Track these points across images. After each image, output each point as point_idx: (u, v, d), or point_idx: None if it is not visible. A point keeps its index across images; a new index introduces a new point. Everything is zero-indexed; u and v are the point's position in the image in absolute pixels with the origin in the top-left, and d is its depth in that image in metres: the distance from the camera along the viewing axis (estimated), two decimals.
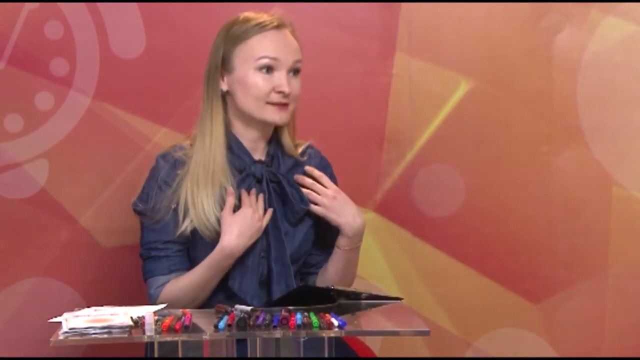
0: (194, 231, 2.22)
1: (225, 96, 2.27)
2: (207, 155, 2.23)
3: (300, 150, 2.34)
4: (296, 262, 2.30)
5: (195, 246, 2.25)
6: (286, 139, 2.31)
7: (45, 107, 2.74)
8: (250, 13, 2.28)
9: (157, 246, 2.24)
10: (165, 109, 2.73)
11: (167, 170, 2.24)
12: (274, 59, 2.23)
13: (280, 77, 2.23)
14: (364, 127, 2.83)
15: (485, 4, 2.84)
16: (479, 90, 2.85)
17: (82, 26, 2.73)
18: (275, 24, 2.26)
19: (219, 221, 2.20)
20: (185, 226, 2.22)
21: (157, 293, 2.23)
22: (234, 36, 2.25)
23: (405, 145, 2.85)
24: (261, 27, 2.24)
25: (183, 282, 2.22)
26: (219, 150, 2.23)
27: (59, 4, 2.72)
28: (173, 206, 2.22)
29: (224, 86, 2.27)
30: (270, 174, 2.27)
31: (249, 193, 2.24)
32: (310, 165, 2.34)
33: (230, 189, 2.21)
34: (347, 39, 2.81)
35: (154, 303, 2.22)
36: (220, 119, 2.26)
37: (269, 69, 2.23)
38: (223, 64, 2.26)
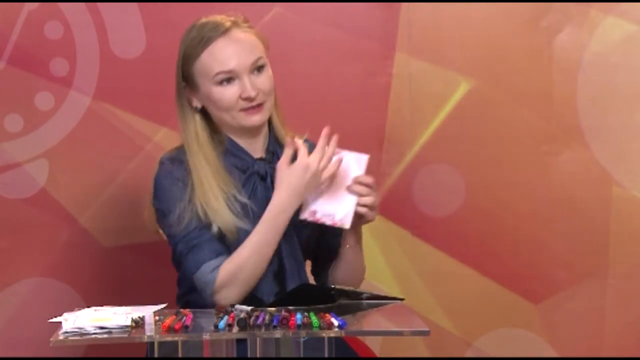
0: (220, 231, 2.21)
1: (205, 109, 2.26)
2: (202, 173, 2.20)
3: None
4: (308, 252, 2.31)
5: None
6: (280, 133, 2.30)
7: (45, 107, 2.74)
8: (203, 20, 2.23)
9: (194, 235, 2.19)
10: (165, 109, 2.72)
11: (180, 170, 2.23)
12: (229, 71, 2.19)
13: (242, 84, 2.20)
14: (364, 127, 2.83)
15: (485, 4, 2.84)
16: (479, 90, 2.85)
17: (82, 26, 2.73)
18: (222, 28, 2.21)
19: (235, 224, 2.19)
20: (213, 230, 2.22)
21: (214, 276, 2.16)
22: (187, 54, 2.23)
23: (405, 145, 2.85)
24: (208, 39, 2.20)
25: (242, 254, 2.16)
26: (208, 165, 2.21)
27: (59, 4, 2.72)
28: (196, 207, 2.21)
29: (197, 104, 2.25)
30: (273, 170, 2.27)
31: (254, 189, 2.24)
32: None
33: (290, 140, 2.17)
34: (347, 39, 2.82)
35: (212, 289, 2.15)
36: (194, 137, 2.23)
37: (228, 80, 2.20)
38: (188, 83, 2.24)
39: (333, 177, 2.18)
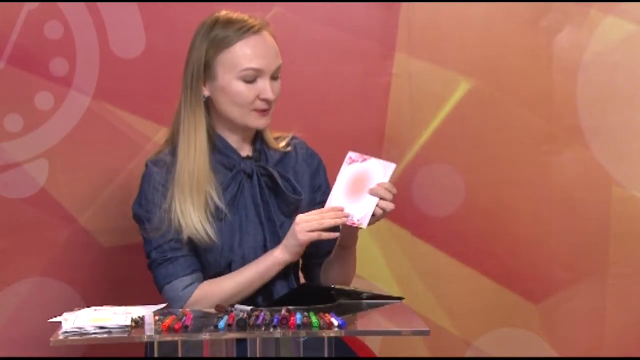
0: (190, 237, 2.22)
1: (208, 101, 2.26)
2: (192, 164, 2.21)
3: (285, 142, 2.35)
4: None
5: (196, 250, 2.25)
6: (267, 135, 2.32)
7: (45, 107, 2.74)
8: (231, 14, 2.25)
9: (172, 246, 2.21)
10: (165, 109, 2.71)
11: (162, 174, 2.24)
12: (257, 70, 2.21)
13: (264, 85, 2.22)
14: (364, 127, 2.83)
15: (485, 4, 2.84)
16: (479, 90, 2.85)
17: (82, 26, 2.73)
18: (256, 28, 2.23)
19: (206, 230, 2.20)
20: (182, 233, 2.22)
21: (187, 295, 2.20)
22: (215, 42, 2.23)
23: (405, 145, 2.85)
24: (243, 33, 2.21)
25: (225, 287, 2.20)
26: (202, 157, 2.22)
27: (59, 4, 2.72)
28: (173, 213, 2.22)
29: (206, 92, 2.25)
30: (260, 168, 2.28)
31: (240, 188, 2.25)
32: (297, 155, 2.34)
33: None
34: (347, 39, 2.82)
35: (183, 305, 2.19)
36: (203, 126, 2.24)
37: (252, 77, 2.22)
38: (205, 71, 2.24)
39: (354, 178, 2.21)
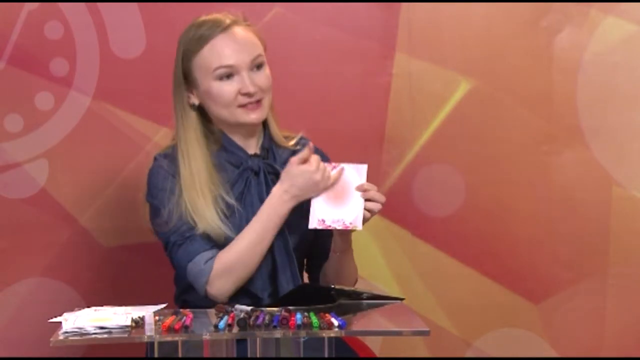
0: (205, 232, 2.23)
1: (200, 106, 2.27)
2: (190, 171, 2.22)
3: (293, 142, 2.35)
4: (304, 250, 2.31)
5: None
6: (275, 131, 2.32)
7: (45, 107, 2.74)
8: (203, 17, 2.26)
9: (189, 227, 2.21)
10: (165, 109, 2.71)
11: (172, 166, 2.25)
12: (229, 66, 2.21)
13: (242, 80, 2.22)
14: (364, 127, 2.83)
15: (485, 4, 2.84)
16: (479, 90, 2.85)
17: (82, 26, 2.73)
18: (223, 25, 2.23)
19: (221, 228, 2.20)
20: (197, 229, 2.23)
21: (210, 267, 2.19)
22: (186, 50, 2.25)
23: (405, 145, 2.85)
24: (209, 35, 2.22)
25: (239, 246, 2.19)
26: (200, 163, 2.23)
27: (59, 4, 2.72)
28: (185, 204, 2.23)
29: (195, 100, 2.27)
30: (267, 166, 2.28)
31: (247, 185, 2.25)
32: None
33: (310, 145, 2.19)
34: (347, 39, 2.82)
35: (207, 279, 2.18)
36: (193, 133, 2.25)
37: (228, 75, 2.22)
38: (186, 80, 2.26)
39: (331, 186, 2.21)
